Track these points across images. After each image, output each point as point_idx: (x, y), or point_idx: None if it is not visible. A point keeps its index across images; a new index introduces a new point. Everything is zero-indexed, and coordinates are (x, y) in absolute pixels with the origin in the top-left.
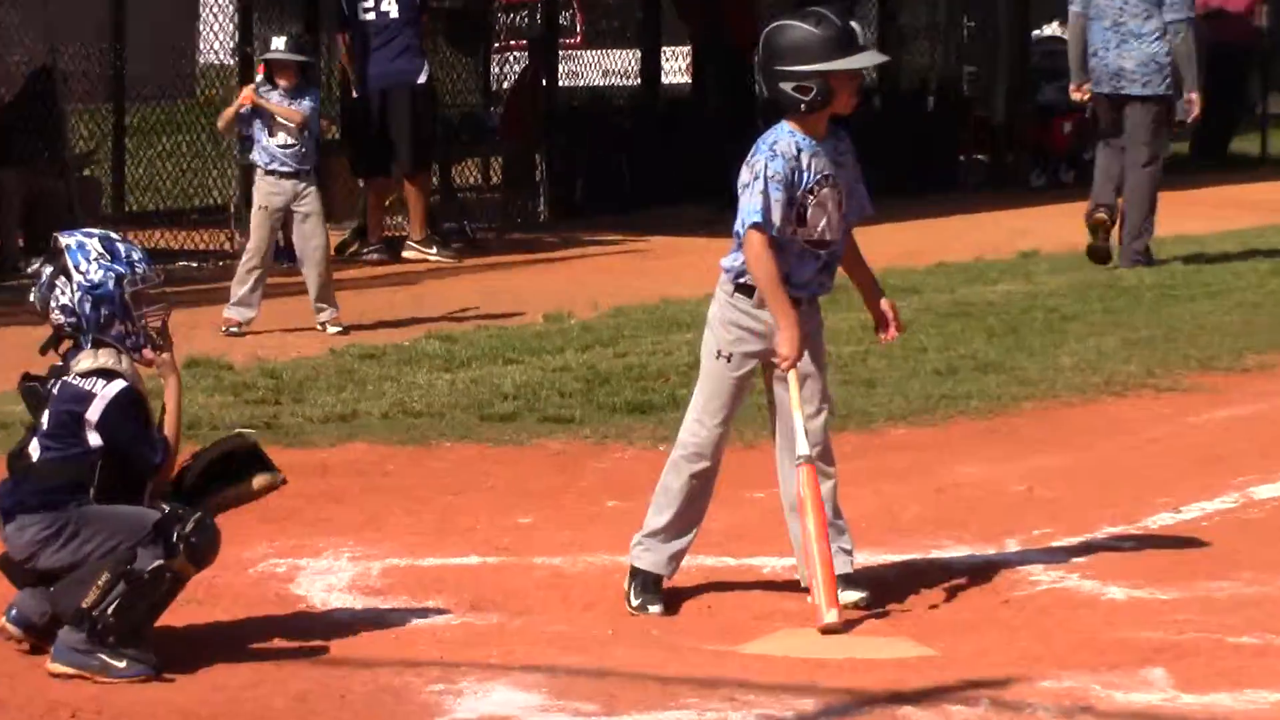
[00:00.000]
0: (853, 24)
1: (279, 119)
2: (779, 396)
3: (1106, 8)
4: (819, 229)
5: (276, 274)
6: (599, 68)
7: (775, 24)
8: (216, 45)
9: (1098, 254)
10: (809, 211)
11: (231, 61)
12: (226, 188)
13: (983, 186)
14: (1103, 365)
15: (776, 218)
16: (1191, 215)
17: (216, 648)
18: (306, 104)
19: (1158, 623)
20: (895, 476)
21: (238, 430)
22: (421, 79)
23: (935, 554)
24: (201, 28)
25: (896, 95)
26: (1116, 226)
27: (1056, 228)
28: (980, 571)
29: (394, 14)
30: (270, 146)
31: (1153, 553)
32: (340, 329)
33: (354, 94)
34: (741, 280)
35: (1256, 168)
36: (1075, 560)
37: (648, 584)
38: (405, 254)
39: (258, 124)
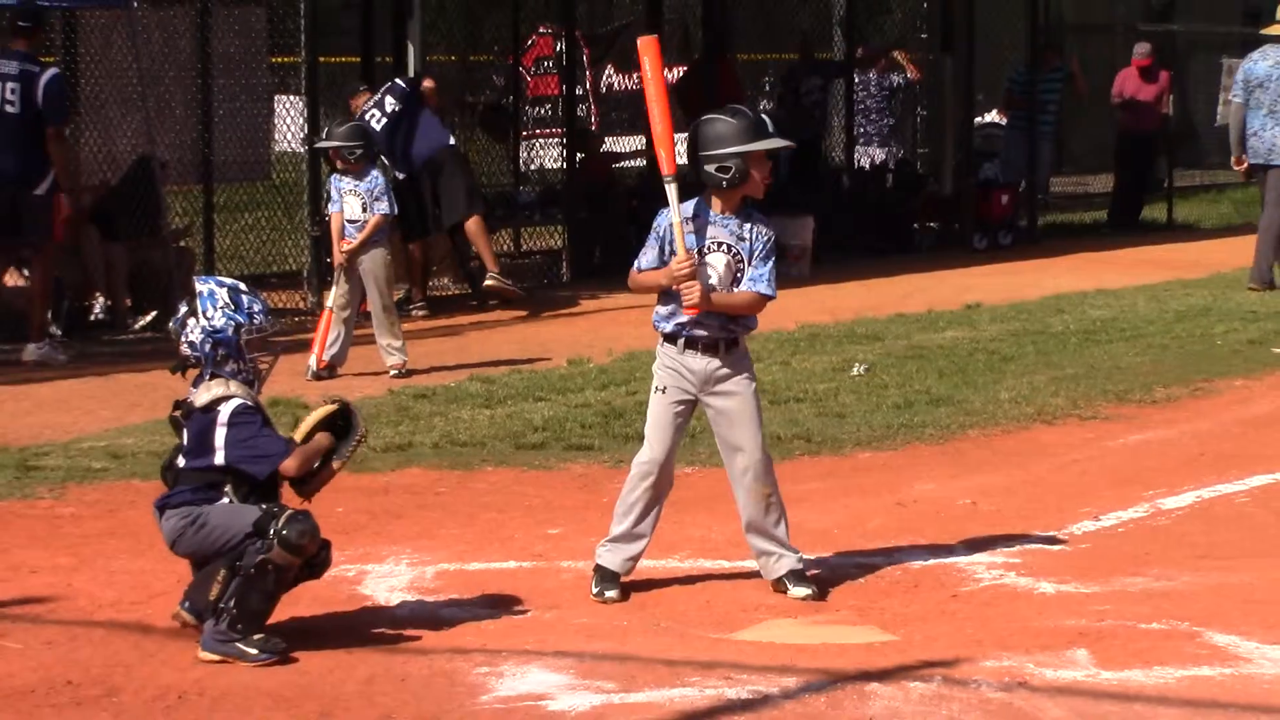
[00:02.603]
0: (764, 115)
1: (346, 194)
2: (720, 436)
3: (1264, 99)
4: (711, 282)
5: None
6: (614, 147)
7: (702, 118)
8: (289, 135)
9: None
10: (702, 268)
11: (302, 149)
12: (300, 256)
13: (934, 250)
14: (1035, 398)
15: (644, 262)
16: (1109, 272)
17: (298, 639)
18: (364, 185)
19: (1081, 612)
20: (862, 492)
21: (324, 400)
22: (451, 140)
23: (896, 557)
24: (276, 120)
25: (861, 174)
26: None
27: (996, 284)
28: (933, 571)
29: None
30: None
31: (1077, 554)
32: (400, 373)
33: (397, 175)
34: (665, 331)
35: (1163, 231)
36: (1012, 561)
37: (605, 577)
38: (487, 283)
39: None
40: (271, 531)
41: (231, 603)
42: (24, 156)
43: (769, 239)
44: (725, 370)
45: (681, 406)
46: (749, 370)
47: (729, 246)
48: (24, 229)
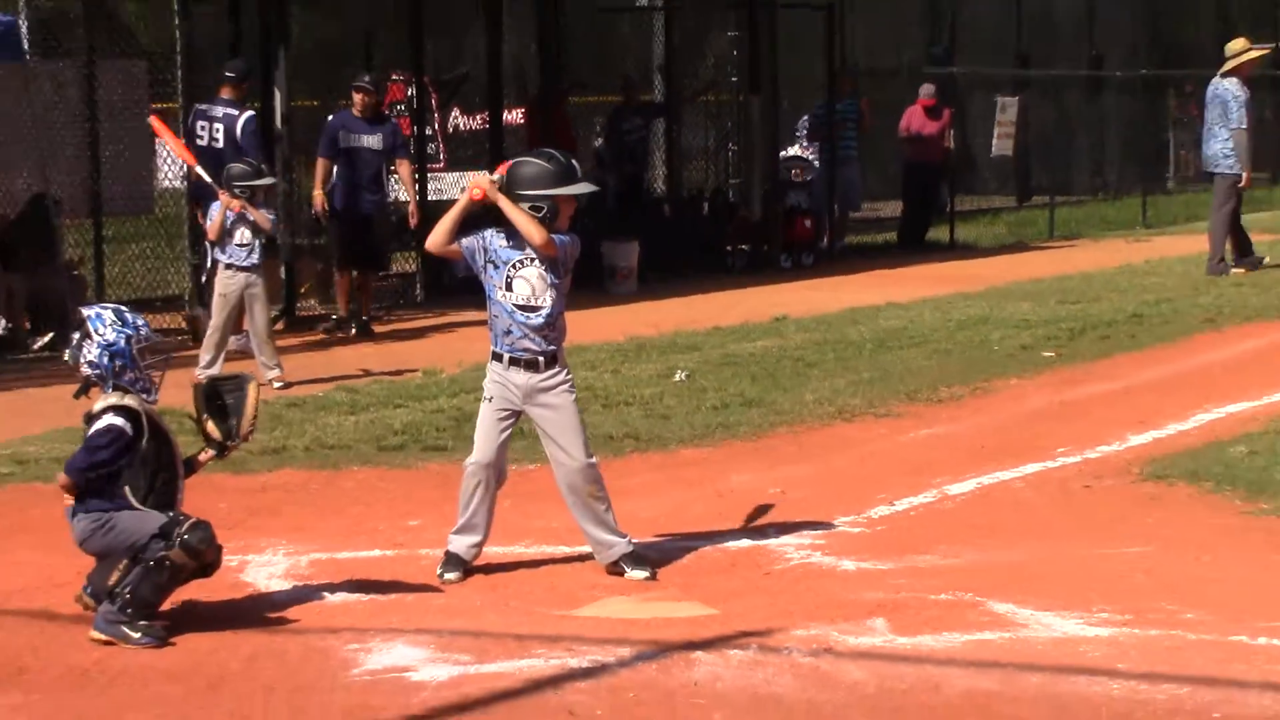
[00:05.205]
0: (572, 161)
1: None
2: (545, 442)
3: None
4: (523, 296)
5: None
6: (459, 185)
7: (518, 159)
8: (169, 173)
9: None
10: (515, 282)
11: (181, 185)
12: (181, 281)
13: (745, 269)
14: (836, 399)
15: (468, 247)
16: (899, 287)
17: (188, 622)
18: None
19: (879, 586)
20: (685, 484)
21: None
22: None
23: (716, 540)
24: (157, 160)
25: (679, 201)
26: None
27: (800, 299)
28: (749, 553)
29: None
30: (230, 246)
31: (874, 535)
32: (283, 384)
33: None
34: (493, 350)
35: (946, 250)
36: (818, 542)
37: (450, 560)
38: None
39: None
40: (175, 534)
41: (126, 590)
42: None
43: (568, 239)
44: (546, 384)
45: (506, 414)
46: (569, 383)
47: (536, 260)
48: None
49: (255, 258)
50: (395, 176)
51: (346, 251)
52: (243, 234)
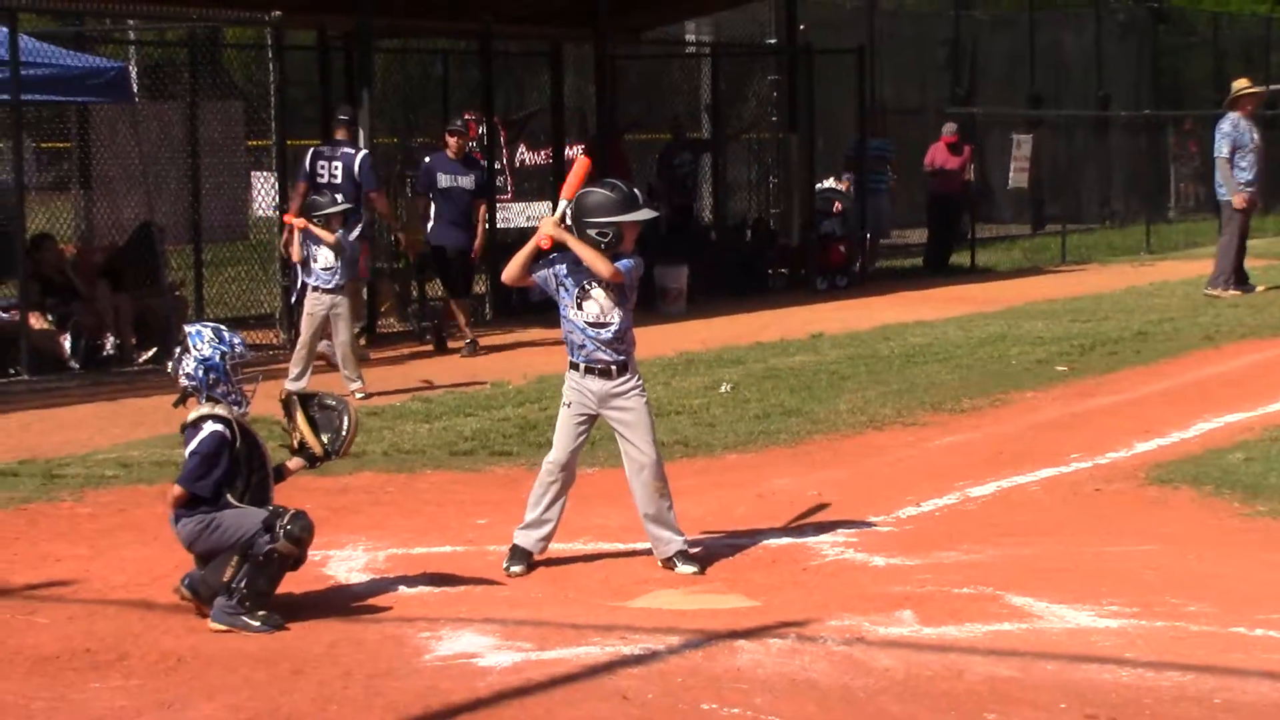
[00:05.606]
0: (634, 190)
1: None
2: (620, 442)
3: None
4: (593, 315)
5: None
6: (524, 215)
7: (584, 190)
8: (263, 203)
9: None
10: (585, 302)
11: (274, 214)
12: (273, 301)
13: (784, 291)
14: (868, 409)
15: (540, 277)
16: (926, 307)
17: (277, 611)
18: (341, 233)
19: (907, 580)
20: (729, 486)
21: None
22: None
23: (757, 538)
24: (252, 192)
25: (726, 228)
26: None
27: (835, 318)
28: (787, 549)
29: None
30: (315, 270)
31: (902, 533)
32: (364, 395)
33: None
34: (570, 360)
35: (968, 274)
36: (851, 540)
37: (517, 554)
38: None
39: (312, 252)
40: (278, 527)
41: (242, 584)
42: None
43: (632, 264)
44: (619, 389)
45: (582, 419)
46: (640, 387)
47: (606, 284)
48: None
49: (338, 280)
50: None
51: (446, 281)
52: (326, 258)
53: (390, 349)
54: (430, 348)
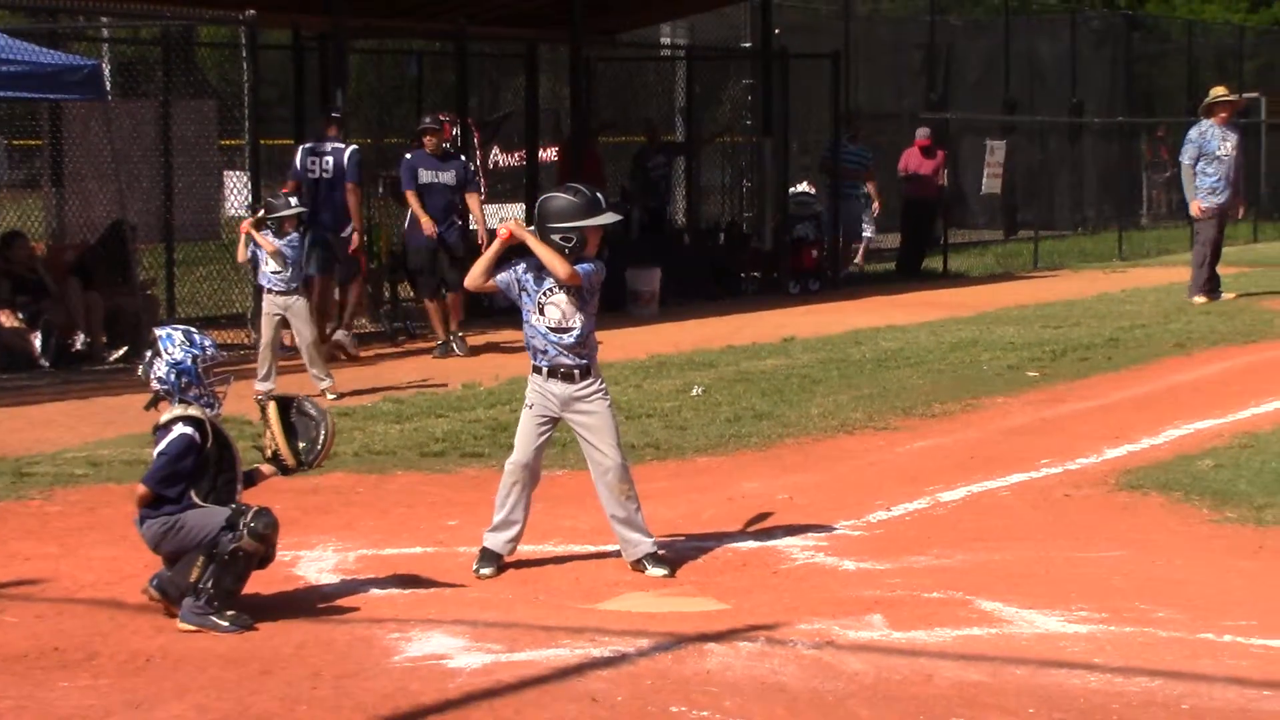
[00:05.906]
0: (598, 194)
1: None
2: (584, 445)
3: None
4: (555, 320)
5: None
6: (496, 217)
7: (546, 195)
8: (236, 203)
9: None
10: (546, 307)
11: (246, 214)
12: (245, 300)
13: (757, 294)
14: (839, 413)
15: (503, 281)
16: (897, 311)
17: (246, 611)
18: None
19: (877, 584)
20: (700, 490)
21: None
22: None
23: (727, 541)
24: (225, 191)
25: (699, 232)
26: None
27: (807, 321)
28: (757, 553)
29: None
30: (265, 272)
31: (873, 538)
32: (335, 395)
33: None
34: (532, 364)
35: (940, 279)
36: (821, 544)
37: (486, 557)
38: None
39: (260, 255)
40: (242, 525)
41: (209, 584)
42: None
43: (592, 268)
44: (581, 393)
45: (544, 421)
46: (603, 391)
47: (566, 287)
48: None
49: (291, 282)
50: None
51: (428, 279)
52: (271, 260)
53: (363, 349)
54: (400, 349)
